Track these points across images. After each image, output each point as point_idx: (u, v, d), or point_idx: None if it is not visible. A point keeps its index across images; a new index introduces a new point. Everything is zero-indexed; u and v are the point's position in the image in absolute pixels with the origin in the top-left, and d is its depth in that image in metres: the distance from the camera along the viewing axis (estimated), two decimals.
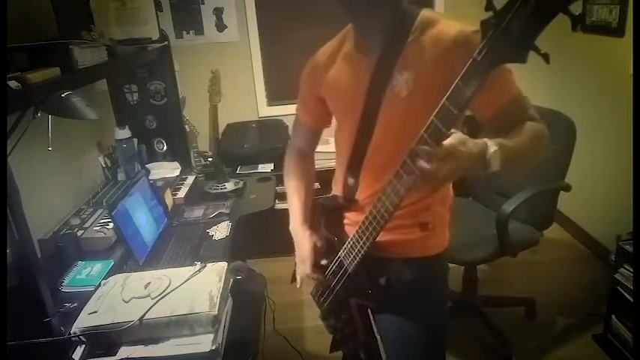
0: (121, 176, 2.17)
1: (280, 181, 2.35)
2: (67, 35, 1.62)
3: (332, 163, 1.29)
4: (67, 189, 1.96)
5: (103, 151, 2.20)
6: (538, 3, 0.64)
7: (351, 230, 1.16)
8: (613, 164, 2.66)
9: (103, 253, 1.59)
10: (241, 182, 2.18)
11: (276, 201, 2.16)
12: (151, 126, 2.40)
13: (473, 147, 0.82)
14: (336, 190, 1.28)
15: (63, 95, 1.19)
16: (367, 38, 1.08)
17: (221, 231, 1.74)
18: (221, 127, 2.72)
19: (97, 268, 1.48)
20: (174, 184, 2.16)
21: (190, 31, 3.15)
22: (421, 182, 0.84)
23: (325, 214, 1.29)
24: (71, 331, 1.09)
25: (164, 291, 1.16)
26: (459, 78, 0.76)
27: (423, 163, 0.80)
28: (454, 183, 1.19)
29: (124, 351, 1.07)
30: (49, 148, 1.21)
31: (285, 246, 1.42)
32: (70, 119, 1.21)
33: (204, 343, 1.07)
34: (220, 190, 2.10)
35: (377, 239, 1.08)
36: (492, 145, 0.85)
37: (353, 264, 1.15)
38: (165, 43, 2.23)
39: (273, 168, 2.89)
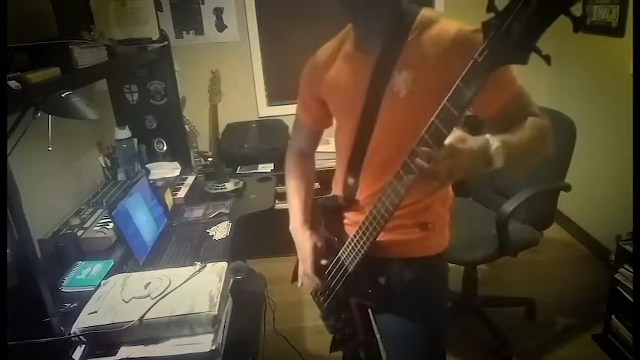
0: (121, 176, 2.17)
1: (280, 181, 2.37)
2: (67, 35, 1.62)
3: (332, 163, 1.29)
4: (67, 189, 1.96)
5: (103, 151, 2.20)
6: (539, 4, 0.64)
7: (351, 230, 1.16)
8: (613, 164, 2.66)
9: (103, 253, 1.59)
10: (241, 182, 2.18)
11: (276, 201, 2.16)
12: (151, 126, 2.40)
13: (473, 144, 0.81)
14: (336, 190, 1.28)
15: (63, 95, 1.19)
16: (367, 38, 1.08)
17: (221, 231, 1.74)
18: (221, 127, 2.72)
19: (97, 268, 1.48)
20: (174, 184, 2.16)
21: (190, 31, 3.15)
22: (422, 183, 0.83)
23: (325, 214, 1.29)
24: (71, 331, 1.09)
25: (164, 291, 1.16)
26: (459, 79, 0.75)
27: (423, 164, 0.80)
28: (454, 183, 1.19)
29: (124, 351, 1.07)
30: (49, 148, 1.21)
31: (285, 246, 1.42)
32: (70, 119, 1.21)
33: (204, 343, 1.07)
34: (220, 190, 2.10)
35: (377, 239, 1.08)
36: (495, 142, 0.83)
37: (353, 264, 1.15)
38: (165, 43, 2.23)
39: (273, 168, 2.89)
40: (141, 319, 1.08)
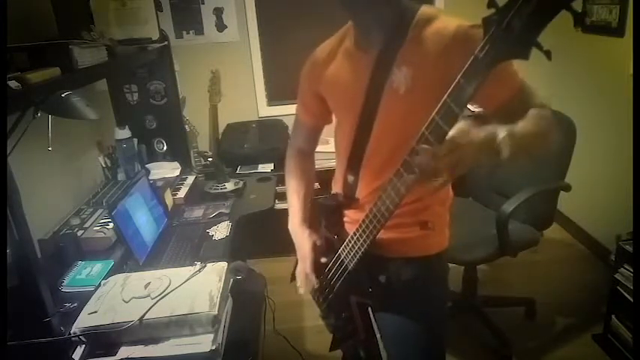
0: (121, 176, 2.17)
1: (280, 181, 2.36)
2: (67, 35, 1.62)
3: (332, 163, 1.29)
4: (67, 189, 1.96)
5: (103, 151, 2.20)
6: (540, 0, 0.64)
7: (351, 228, 1.16)
8: (613, 164, 2.66)
9: (103, 253, 1.59)
10: (241, 182, 2.18)
11: (276, 201, 2.16)
12: (151, 126, 2.40)
13: (476, 136, 0.80)
14: (336, 188, 1.28)
15: (63, 95, 1.19)
16: (367, 35, 1.08)
17: (221, 231, 1.74)
18: (221, 127, 2.72)
19: (97, 268, 1.48)
20: (174, 184, 2.16)
21: (190, 31, 3.15)
22: (424, 181, 0.82)
23: (325, 213, 1.29)
24: (71, 331, 1.09)
25: (164, 291, 1.16)
26: (460, 75, 0.75)
27: (423, 162, 0.79)
28: (454, 183, 1.20)
29: (124, 351, 1.07)
30: (49, 148, 1.21)
31: (285, 246, 1.42)
32: (70, 119, 1.21)
33: (204, 343, 1.07)
34: (220, 190, 2.10)
35: (377, 238, 1.08)
36: (502, 132, 0.82)
37: (353, 261, 1.15)
38: (165, 43, 2.23)
39: (273, 168, 2.89)
40: (141, 319, 1.08)
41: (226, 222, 1.81)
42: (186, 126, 2.74)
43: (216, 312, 1.10)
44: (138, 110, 2.37)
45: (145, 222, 1.64)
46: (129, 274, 1.29)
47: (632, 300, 1.91)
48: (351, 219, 1.22)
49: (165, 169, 2.27)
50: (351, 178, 1.19)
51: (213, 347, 1.06)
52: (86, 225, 1.71)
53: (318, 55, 1.22)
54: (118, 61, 1.78)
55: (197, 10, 3.11)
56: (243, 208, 1.97)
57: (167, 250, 1.63)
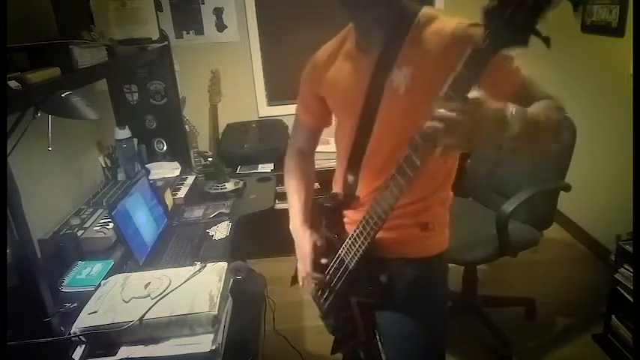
0: (121, 176, 2.17)
1: (280, 181, 2.35)
2: (67, 35, 1.62)
3: (332, 163, 1.29)
4: (67, 189, 1.96)
5: (103, 151, 2.20)
6: None
7: (351, 228, 1.16)
8: (613, 164, 2.66)
9: (103, 253, 1.59)
10: (241, 182, 2.18)
11: (276, 201, 2.16)
12: (151, 126, 2.40)
13: (492, 103, 0.80)
14: (336, 188, 1.28)
15: (63, 95, 1.19)
16: (367, 36, 1.08)
17: (221, 231, 1.74)
18: (221, 127, 2.72)
19: (97, 268, 1.48)
20: (174, 184, 2.16)
21: (190, 31, 3.15)
22: (447, 134, 0.79)
23: (325, 213, 1.29)
24: (71, 331, 1.09)
25: (164, 291, 1.16)
26: (461, 65, 0.75)
27: (447, 114, 0.77)
28: (454, 183, 1.20)
29: (124, 351, 1.07)
30: (49, 148, 1.21)
31: (285, 246, 1.42)
32: (70, 119, 1.21)
33: (204, 343, 1.07)
34: (220, 190, 2.10)
35: (377, 239, 1.08)
36: (512, 106, 0.82)
37: (353, 261, 1.15)
38: (165, 43, 2.23)
39: (273, 168, 2.90)
40: (141, 319, 1.08)
41: (226, 222, 1.81)
42: (186, 126, 2.74)
43: (216, 312, 1.10)
44: (138, 110, 2.37)
45: (145, 222, 1.64)
46: (129, 274, 1.29)
47: (632, 300, 1.91)
48: (351, 220, 1.22)
49: (165, 169, 2.27)
50: (351, 178, 1.19)
51: (213, 347, 1.06)
52: (86, 225, 1.71)
53: (318, 57, 1.22)
54: (118, 61, 1.78)
55: (197, 10, 3.11)
56: (243, 208, 1.97)
57: (167, 250, 1.63)
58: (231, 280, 1.31)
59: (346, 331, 1.29)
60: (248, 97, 3.32)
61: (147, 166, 2.29)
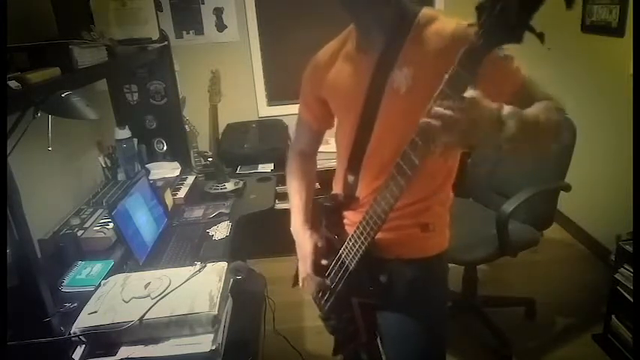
0: (121, 176, 2.17)
1: (280, 181, 2.37)
2: (67, 35, 1.62)
3: (332, 163, 1.29)
4: (67, 189, 1.96)
5: (103, 151, 2.20)
6: None
7: (351, 230, 1.16)
8: (613, 164, 2.66)
9: (103, 253, 1.59)
10: (241, 182, 2.18)
11: (276, 201, 2.16)
12: (151, 126, 2.40)
13: (488, 102, 0.80)
14: (337, 188, 1.28)
15: (63, 95, 1.19)
16: (368, 37, 1.08)
17: (221, 231, 1.74)
18: (221, 127, 2.72)
19: (97, 268, 1.48)
20: (174, 184, 2.16)
21: (190, 31, 3.15)
22: (443, 132, 0.79)
23: (325, 213, 1.29)
24: (71, 331, 1.09)
25: (164, 291, 1.16)
26: (456, 63, 0.76)
27: (445, 112, 0.77)
28: (454, 183, 1.20)
29: (124, 351, 1.07)
30: (49, 148, 1.21)
31: (285, 246, 1.42)
32: (70, 119, 1.21)
33: (204, 343, 1.07)
34: (220, 190, 2.10)
35: (377, 239, 1.08)
36: (507, 107, 0.82)
37: (354, 262, 1.15)
38: (165, 43, 2.23)
39: (273, 168, 2.90)
40: (141, 319, 1.08)
41: (226, 222, 1.81)
42: (186, 126, 2.74)
43: (216, 312, 1.10)
44: (138, 110, 2.37)
45: (145, 222, 1.64)
46: (129, 274, 1.29)
47: (632, 300, 1.91)
48: (351, 221, 1.22)
49: (165, 169, 2.27)
50: (351, 178, 1.19)
51: (213, 347, 1.06)
52: (86, 225, 1.71)
53: (319, 58, 1.22)
54: (118, 61, 1.78)
55: (197, 10, 3.11)
56: (243, 208, 1.97)
57: (167, 250, 1.63)
58: (231, 280, 1.31)
59: (347, 332, 1.29)
60: (248, 97, 3.32)
61: (147, 166, 2.29)
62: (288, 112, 3.12)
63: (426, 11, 1.05)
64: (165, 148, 2.41)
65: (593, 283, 2.56)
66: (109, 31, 1.85)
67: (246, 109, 3.30)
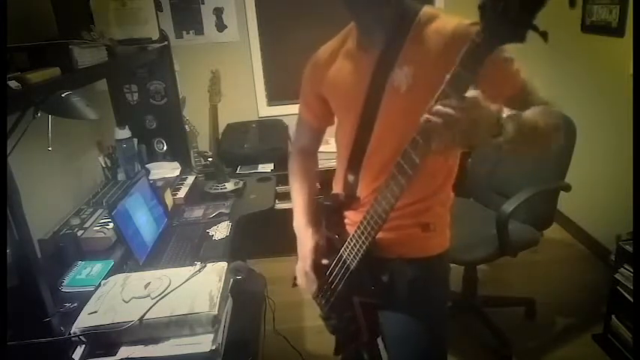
0: (121, 176, 2.17)
1: (280, 181, 2.37)
2: (67, 35, 1.62)
3: (332, 163, 1.29)
4: (67, 189, 1.96)
5: (103, 151, 2.20)
6: None
7: (352, 229, 1.16)
8: (613, 164, 2.66)
9: (103, 253, 1.59)
10: (241, 182, 2.18)
11: (276, 201, 2.16)
12: (151, 126, 2.40)
13: (489, 104, 0.81)
14: (337, 188, 1.28)
15: (63, 95, 1.19)
16: (369, 35, 1.08)
17: (221, 231, 1.74)
18: (221, 127, 2.72)
19: (97, 268, 1.48)
20: (174, 184, 2.16)
21: (190, 31, 3.15)
22: (444, 131, 0.80)
23: (326, 213, 1.29)
24: (71, 331, 1.09)
25: (164, 291, 1.16)
26: (458, 63, 0.76)
27: (446, 110, 0.78)
28: (454, 183, 1.20)
29: (124, 351, 1.06)
30: (49, 148, 1.21)
31: (285, 246, 1.42)
32: (70, 119, 1.21)
33: (204, 343, 1.07)
34: (220, 190, 2.10)
35: (378, 239, 1.08)
36: (507, 110, 0.83)
37: (355, 261, 1.15)
38: (165, 43, 2.23)
39: (273, 168, 2.90)
40: (141, 319, 1.08)
41: (226, 222, 1.81)
42: (186, 126, 2.74)
43: (216, 312, 1.10)
44: (138, 110, 2.37)
45: (145, 222, 1.64)
46: (129, 274, 1.29)
47: (632, 300, 1.91)
48: (352, 221, 1.22)
49: (165, 169, 2.27)
50: (351, 177, 1.19)
51: (213, 347, 1.06)
52: (86, 225, 1.71)
53: (319, 56, 1.22)
54: (118, 61, 1.78)
55: (197, 10, 3.11)
56: (243, 208, 1.97)
57: (167, 250, 1.63)
58: (231, 280, 1.31)
59: (348, 332, 1.29)
60: (248, 97, 3.32)
61: (147, 166, 2.29)
62: (288, 112, 3.12)
63: (426, 10, 1.05)
64: (165, 148, 2.41)
65: (593, 283, 2.56)
66: (109, 31, 1.85)
67: (246, 109, 3.30)
